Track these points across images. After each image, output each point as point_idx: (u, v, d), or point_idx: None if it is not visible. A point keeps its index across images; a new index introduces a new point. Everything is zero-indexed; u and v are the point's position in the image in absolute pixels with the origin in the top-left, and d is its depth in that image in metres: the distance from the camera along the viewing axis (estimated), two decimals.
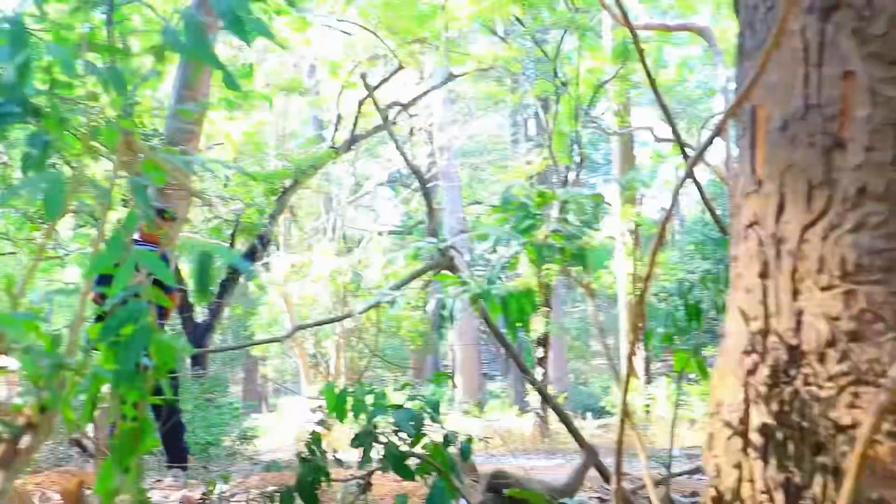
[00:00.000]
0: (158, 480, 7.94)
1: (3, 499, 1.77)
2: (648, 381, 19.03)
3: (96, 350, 1.92)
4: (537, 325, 18.00)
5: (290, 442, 18.06)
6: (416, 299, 21.00)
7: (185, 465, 8.05)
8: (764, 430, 2.34)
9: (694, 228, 19.41)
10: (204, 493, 6.32)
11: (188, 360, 17.97)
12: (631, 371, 2.43)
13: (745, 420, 2.40)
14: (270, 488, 4.66)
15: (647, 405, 17.37)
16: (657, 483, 6.33)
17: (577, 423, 15.79)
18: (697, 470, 7.32)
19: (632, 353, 2.39)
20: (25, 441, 1.79)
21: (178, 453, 8.21)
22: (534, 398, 20.06)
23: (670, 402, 17.93)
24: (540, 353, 18.01)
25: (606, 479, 5.35)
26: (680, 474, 6.87)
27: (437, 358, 31.50)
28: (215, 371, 24.45)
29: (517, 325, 2.82)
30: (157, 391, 2.15)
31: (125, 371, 1.85)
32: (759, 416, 2.36)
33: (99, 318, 1.96)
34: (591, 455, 4.90)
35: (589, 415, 21.83)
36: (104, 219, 1.89)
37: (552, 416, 19.71)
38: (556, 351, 22.81)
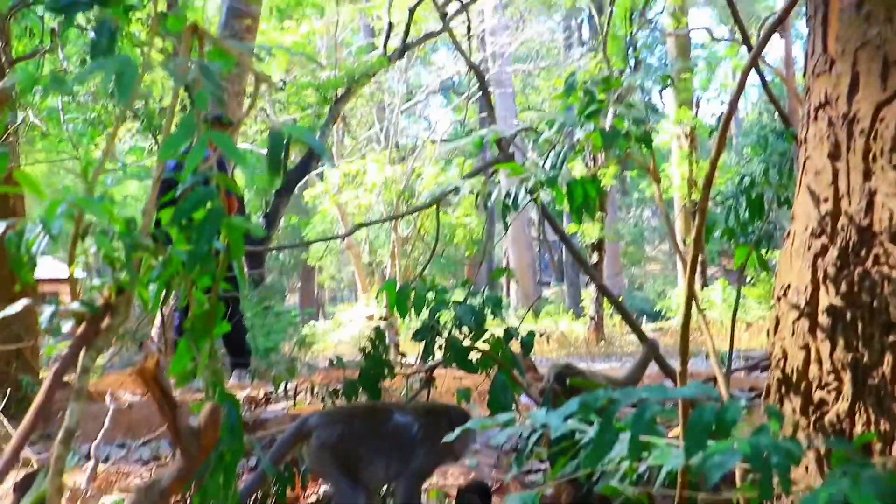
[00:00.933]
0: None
1: (88, 376, 1.82)
2: (705, 285, 18.96)
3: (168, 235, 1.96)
4: (592, 231, 17.95)
5: (347, 347, 18.33)
6: (472, 205, 21.01)
7: (248, 364, 8.20)
8: (832, 311, 2.33)
9: (751, 131, 19.08)
10: (268, 393, 6.46)
11: (246, 268, 18.24)
12: (692, 273, 2.42)
13: (812, 302, 2.39)
14: (334, 384, 4.75)
15: (704, 309, 17.34)
16: (714, 380, 6.35)
17: None
18: (755, 367, 7.33)
19: (696, 257, 2.37)
20: (104, 321, 1.83)
21: (241, 354, 8.37)
22: (589, 303, 20.10)
23: (727, 304, 17.87)
24: (594, 258, 17.98)
25: (667, 373, 5.38)
26: (738, 370, 6.88)
27: (492, 265, 31.59)
28: (273, 280, 24.79)
29: (582, 211, 2.81)
30: (230, 280, 2.19)
31: (198, 253, 1.88)
32: (828, 297, 2.34)
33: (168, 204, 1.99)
34: (651, 348, 4.91)
35: (644, 319, 21.83)
36: (175, 101, 1.90)
37: (607, 320, 19.78)
38: (610, 257, 22.77)
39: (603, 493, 2.20)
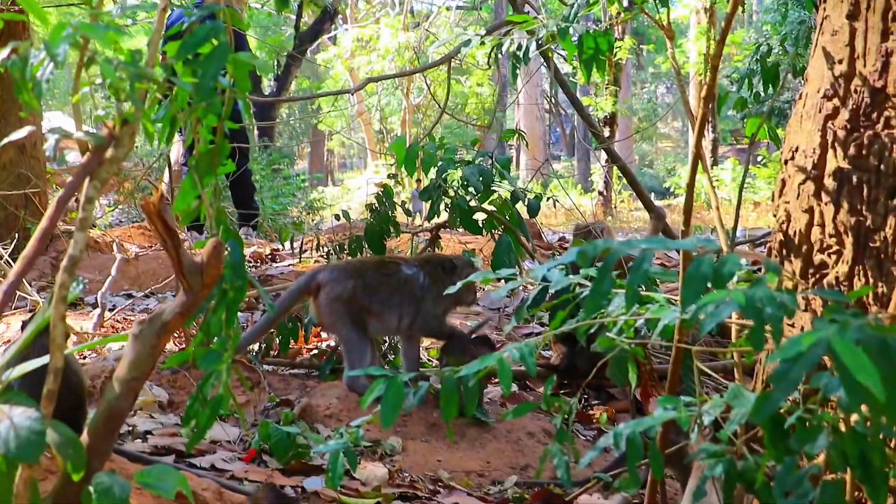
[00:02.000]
0: None
1: (92, 206, 1.83)
2: (715, 164, 18.88)
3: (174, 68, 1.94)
4: (604, 105, 17.78)
5: (355, 213, 18.34)
6: (484, 75, 20.79)
7: (256, 222, 8.24)
8: (839, 174, 2.32)
9: (771, 7, 18.69)
10: (274, 249, 6.51)
11: (256, 133, 18.19)
12: (699, 133, 2.40)
13: (820, 165, 2.38)
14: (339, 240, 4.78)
15: (714, 186, 17.29)
16: (717, 253, 6.37)
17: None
18: (760, 242, 7.36)
19: (704, 115, 2.35)
20: (109, 152, 1.83)
21: (248, 211, 8.42)
22: (598, 178, 20.06)
23: (736, 184, 17.81)
24: (606, 132, 17.87)
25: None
26: (741, 243, 6.91)
27: (503, 141, 31.38)
28: (283, 144, 24.72)
29: (592, 65, 2.77)
30: (238, 135, 2.18)
31: (203, 88, 1.87)
32: (835, 160, 2.33)
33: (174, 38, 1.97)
34: (659, 218, 4.92)
35: (653, 196, 21.80)
36: None
37: (616, 196, 19.76)
38: (622, 132, 22.60)
39: (599, 345, 2.22)
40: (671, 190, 22.30)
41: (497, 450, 3.67)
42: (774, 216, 2.58)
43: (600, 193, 19.32)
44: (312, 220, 15.10)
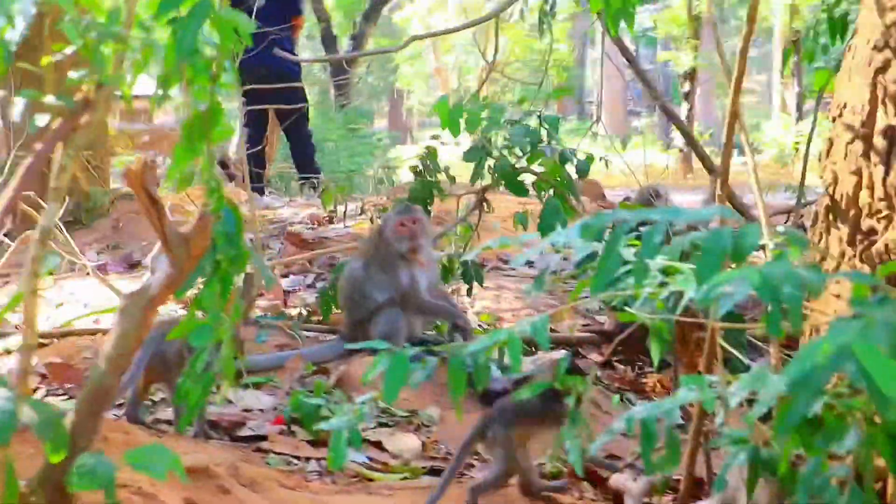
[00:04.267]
0: (292, 200, 8.16)
1: (66, 175, 1.74)
2: (800, 118, 18.30)
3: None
4: (685, 59, 17.36)
5: None
6: (563, 32, 20.46)
7: (315, 183, 8.17)
8: (889, 132, 2.12)
9: None
10: (331, 212, 6.44)
11: (332, 92, 18.12)
12: (735, 107, 2.23)
13: (869, 123, 2.18)
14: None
15: (797, 142, 16.75)
16: (787, 212, 6.13)
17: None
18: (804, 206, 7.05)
19: (742, 70, 2.18)
20: (83, 119, 1.73)
21: (308, 172, 8.35)
22: (678, 135, 19.62)
23: (822, 139, 17.27)
24: (686, 87, 17.42)
25: (737, 208, 5.12)
26: (811, 203, 6.60)
27: (582, 95, 31.00)
28: (360, 102, 24.66)
29: (620, 18, 2.58)
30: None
31: (182, 48, 1.76)
32: (886, 118, 2.13)
33: None
34: (721, 182, 4.68)
35: (736, 152, 21.28)
36: None
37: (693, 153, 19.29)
38: (703, 87, 22.05)
39: (620, 319, 2.07)
40: (755, 146, 21.74)
41: None
42: (821, 178, 2.38)
43: (681, 150, 18.88)
44: (389, 179, 15.01)
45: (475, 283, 4.35)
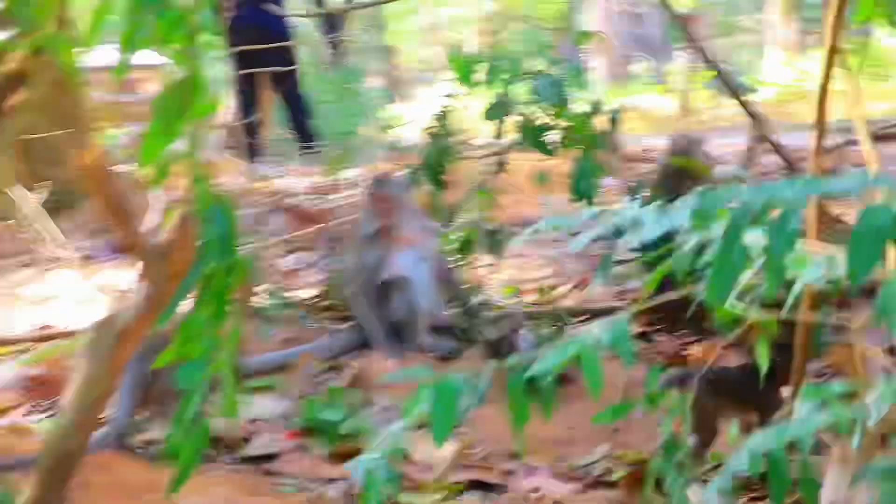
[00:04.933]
0: (289, 168, 7.75)
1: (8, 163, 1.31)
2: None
3: None
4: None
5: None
6: None
7: (313, 149, 7.75)
8: None
9: None
10: (335, 181, 6.05)
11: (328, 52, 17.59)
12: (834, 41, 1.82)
13: None
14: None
15: (800, 80, 16.29)
16: (829, 151, 5.67)
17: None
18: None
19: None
20: (16, 95, 1.30)
21: (305, 138, 7.93)
22: (677, 77, 19.15)
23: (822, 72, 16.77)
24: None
25: (781, 155, 4.64)
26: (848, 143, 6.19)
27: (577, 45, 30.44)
28: (352, 61, 24.16)
29: None
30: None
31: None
32: None
33: None
34: (763, 126, 4.22)
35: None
36: None
37: (693, 96, 18.79)
38: (701, 27, 21.53)
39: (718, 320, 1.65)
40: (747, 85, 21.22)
41: (582, 410, 3.08)
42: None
43: (680, 92, 18.38)
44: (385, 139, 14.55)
45: (495, 254, 3.97)
